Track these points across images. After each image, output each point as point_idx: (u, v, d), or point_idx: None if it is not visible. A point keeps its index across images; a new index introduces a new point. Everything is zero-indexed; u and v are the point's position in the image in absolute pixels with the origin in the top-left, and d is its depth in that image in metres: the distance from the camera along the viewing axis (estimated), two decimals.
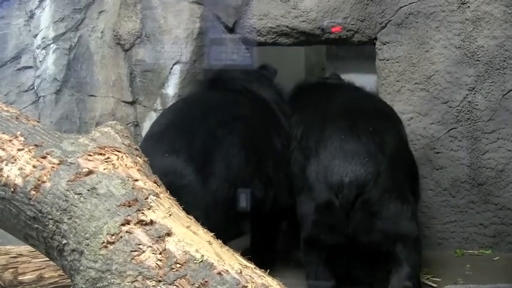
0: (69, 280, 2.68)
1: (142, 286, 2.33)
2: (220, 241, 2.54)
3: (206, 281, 2.25)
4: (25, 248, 3.67)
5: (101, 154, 2.89)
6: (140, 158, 3.07)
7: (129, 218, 2.53)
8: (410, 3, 4.87)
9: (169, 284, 2.29)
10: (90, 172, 2.77)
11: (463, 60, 4.79)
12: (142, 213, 2.56)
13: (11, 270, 3.65)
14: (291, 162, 4.34)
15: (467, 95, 4.80)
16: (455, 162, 4.83)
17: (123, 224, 2.51)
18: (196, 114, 4.23)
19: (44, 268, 3.66)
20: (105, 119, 5.12)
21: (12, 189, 2.88)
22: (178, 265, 2.33)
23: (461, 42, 4.79)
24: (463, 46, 4.78)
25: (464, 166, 4.81)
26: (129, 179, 2.75)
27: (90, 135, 3.12)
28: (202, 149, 4.02)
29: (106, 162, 2.84)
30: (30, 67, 5.55)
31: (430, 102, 4.85)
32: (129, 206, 2.59)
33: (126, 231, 2.48)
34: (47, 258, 3.10)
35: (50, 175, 2.81)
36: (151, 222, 2.51)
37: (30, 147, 2.99)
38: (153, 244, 2.42)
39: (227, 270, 2.29)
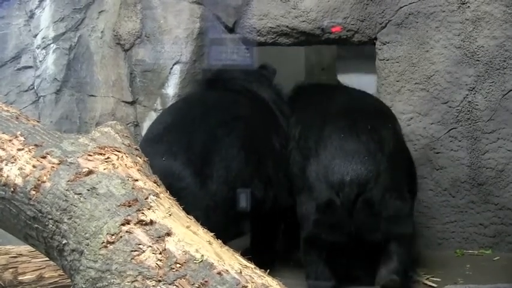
0: (69, 280, 2.68)
1: (142, 286, 2.33)
2: (220, 241, 2.54)
3: (206, 281, 2.25)
4: (25, 248, 3.67)
5: (101, 154, 2.89)
6: (140, 158, 3.07)
7: (129, 218, 2.53)
8: (410, 3, 4.87)
9: (169, 284, 2.29)
10: (90, 172, 2.77)
11: (463, 60, 4.79)
12: (142, 213, 2.55)
13: (11, 270, 3.65)
14: (290, 162, 4.35)
15: (467, 95, 4.80)
16: (455, 162, 4.83)
17: (123, 224, 2.51)
18: (194, 115, 4.23)
19: (44, 268, 3.66)
20: (105, 119, 5.12)
21: (12, 189, 2.88)
22: (178, 265, 2.33)
23: (461, 42, 4.79)
24: (463, 46, 4.78)
25: (464, 166, 4.81)
26: (129, 179, 2.75)
27: (90, 135, 3.12)
28: (201, 150, 4.02)
29: (106, 162, 2.84)
30: (30, 67, 5.55)
31: (430, 102, 4.85)
32: (129, 206, 2.59)
33: (126, 231, 2.48)
34: (47, 258, 3.10)
35: (49, 175, 2.81)
36: (151, 222, 2.51)
37: (30, 147, 2.99)
38: (153, 244, 2.42)
39: (227, 270, 2.29)
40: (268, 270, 2.39)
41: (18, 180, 2.88)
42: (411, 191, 4.29)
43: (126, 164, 2.87)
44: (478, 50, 4.76)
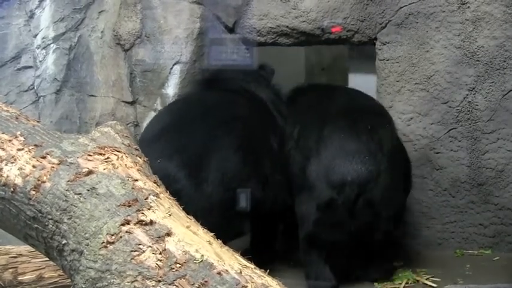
0: (69, 280, 2.68)
1: (142, 286, 2.33)
2: (220, 241, 2.54)
3: (206, 281, 2.25)
4: (25, 248, 3.67)
5: (100, 154, 2.89)
6: (140, 158, 3.07)
7: (129, 218, 2.53)
8: (410, 4, 4.87)
9: (169, 284, 2.28)
10: (90, 172, 2.77)
11: (463, 60, 4.79)
12: (142, 213, 2.55)
13: (10, 270, 3.65)
14: (290, 162, 4.35)
15: (467, 95, 4.80)
16: (455, 163, 4.83)
17: (123, 224, 2.51)
18: (190, 115, 4.22)
19: (44, 268, 3.65)
20: (105, 119, 5.12)
21: (12, 189, 2.88)
22: (178, 265, 2.32)
23: (461, 42, 4.79)
24: (463, 46, 4.78)
25: (464, 166, 4.81)
26: (129, 179, 2.75)
27: (90, 135, 3.12)
28: (198, 151, 4.00)
29: (106, 162, 2.84)
30: (30, 67, 5.56)
31: (430, 103, 4.85)
32: (129, 206, 2.59)
33: (126, 231, 2.48)
34: (47, 258, 3.09)
35: (49, 175, 2.81)
36: (151, 222, 2.51)
37: (30, 147, 2.99)
38: (153, 244, 2.42)
39: (227, 270, 2.29)
40: (268, 270, 2.39)
41: (18, 180, 2.88)
42: (406, 189, 4.43)
43: (126, 164, 2.87)
44: (478, 50, 4.76)
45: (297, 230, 4.21)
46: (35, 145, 2.99)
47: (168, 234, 2.46)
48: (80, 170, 2.79)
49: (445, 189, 4.85)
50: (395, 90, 4.92)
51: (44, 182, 2.80)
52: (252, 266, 2.39)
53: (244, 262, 2.41)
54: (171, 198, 2.79)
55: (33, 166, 2.89)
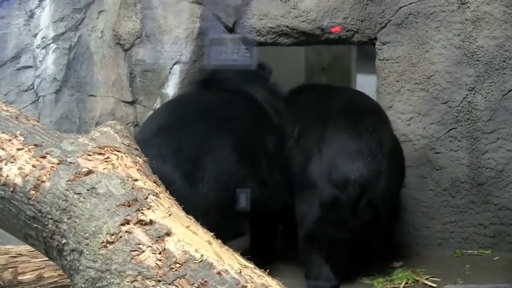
0: (69, 280, 2.68)
1: (141, 286, 2.33)
2: (219, 241, 2.54)
3: (206, 281, 2.25)
4: (25, 248, 3.66)
5: (100, 154, 2.89)
6: (140, 157, 3.07)
7: (128, 217, 2.53)
8: (410, 3, 4.87)
9: (169, 284, 2.28)
10: (89, 172, 2.77)
11: (463, 60, 4.79)
12: (142, 213, 2.55)
13: (10, 269, 3.65)
14: (290, 161, 4.34)
15: (467, 95, 4.80)
16: (455, 163, 4.83)
17: (122, 224, 2.51)
18: (184, 116, 4.21)
19: (44, 268, 3.65)
20: (105, 118, 5.12)
21: (11, 189, 2.88)
22: (177, 265, 2.32)
23: (461, 42, 4.79)
24: (463, 46, 4.78)
25: (464, 166, 4.82)
26: (129, 178, 2.75)
27: (89, 135, 3.11)
28: (191, 152, 3.98)
29: (106, 162, 2.83)
30: (30, 67, 5.55)
31: (430, 102, 4.85)
32: (129, 206, 2.58)
33: (126, 231, 2.48)
34: (47, 258, 3.09)
35: (49, 175, 2.81)
36: (151, 222, 2.51)
37: (30, 147, 2.98)
38: (152, 244, 2.42)
39: (227, 270, 2.29)
40: (267, 270, 2.39)
41: (18, 180, 2.88)
42: (401, 184, 4.54)
43: (125, 164, 2.86)
44: (478, 50, 4.76)
45: (297, 230, 4.21)
46: (35, 145, 2.99)
47: (168, 234, 2.45)
48: (80, 169, 2.79)
49: (445, 189, 4.86)
50: (395, 90, 4.92)
51: (44, 181, 2.79)
52: (252, 265, 2.39)
53: (244, 262, 2.40)
54: (171, 198, 2.79)
55: (33, 166, 2.88)
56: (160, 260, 2.35)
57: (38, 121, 3.37)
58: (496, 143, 4.77)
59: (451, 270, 4.40)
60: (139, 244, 2.43)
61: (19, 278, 3.64)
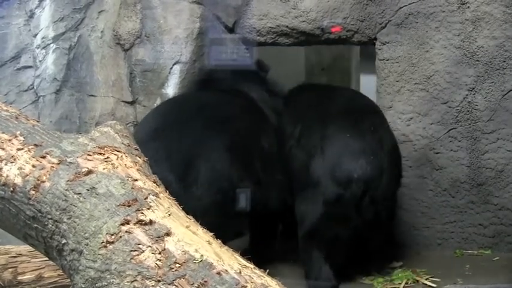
0: (69, 280, 2.68)
1: (141, 286, 2.33)
2: (219, 241, 2.54)
3: (205, 281, 2.25)
4: (24, 248, 3.67)
5: (100, 154, 2.89)
6: (140, 157, 3.07)
7: (128, 217, 2.53)
8: (410, 4, 4.87)
9: (169, 284, 2.28)
10: (89, 172, 2.77)
11: (462, 60, 4.79)
12: (142, 213, 2.55)
13: (10, 269, 3.65)
14: (290, 161, 4.34)
15: (467, 95, 4.79)
16: (455, 163, 4.83)
17: (122, 224, 2.51)
18: (179, 117, 4.20)
19: (43, 268, 3.65)
20: (105, 119, 5.12)
21: (11, 189, 2.88)
22: (177, 265, 2.32)
23: (461, 42, 4.79)
24: (463, 46, 4.78)
25: (464, 166, 4.81)
26: (129, 178, 2.75)
27: (89, 135, 3.12)
28: (185, 155, 3.97)
29: (105, 162, 2.83)
30: (30, 67, 5.55)
31: (430, 103, 4.85)
32: (129, 206, 2.58)
33: (126, 231, 2.48)
34: (46, 258, 3.09)
35: (49, 175, 2.81)
36: (151, 222, 2.51)
37: (30, 147, 2.99)
38: (152, 244, 2.42)
39: (226, 270, 2.29)
40: (267, 270, 2.39)
41: (18, 180, 2.88)
42: (399, 182, 4.52)
43: (125, 164, 2.86)
44: (478, 50, 4.76)
45: (297, 230, 4.21)
46: (35, 145, 2.99)
47: (168, 234, 2.46)
48: (80, 169, 2.79)
49: (445, 189, 4.85)
50: (395, 90, 4.92)
51: (44, 181, 2.80)
52: (252, 265, 2.39)
53: (244, 262, 2.41)
54: (171, 198, 2.79)
55: (33, 166, 2.89)
56: (160, 260, 2.35)
57: (37, 121, 3.37)
58: (496, 143, 4.77)
59: (451, 270, 4.40)
60: (139, 244, 2.43)
61: (19, 278, 3.64)
